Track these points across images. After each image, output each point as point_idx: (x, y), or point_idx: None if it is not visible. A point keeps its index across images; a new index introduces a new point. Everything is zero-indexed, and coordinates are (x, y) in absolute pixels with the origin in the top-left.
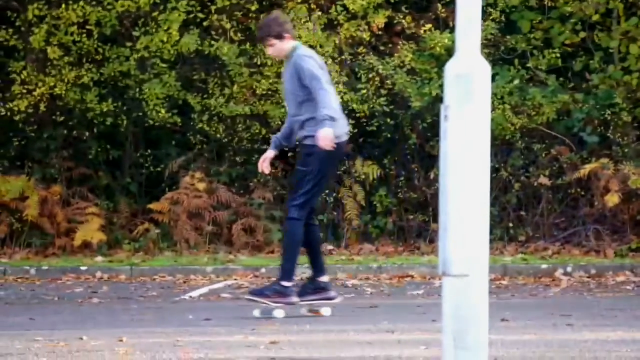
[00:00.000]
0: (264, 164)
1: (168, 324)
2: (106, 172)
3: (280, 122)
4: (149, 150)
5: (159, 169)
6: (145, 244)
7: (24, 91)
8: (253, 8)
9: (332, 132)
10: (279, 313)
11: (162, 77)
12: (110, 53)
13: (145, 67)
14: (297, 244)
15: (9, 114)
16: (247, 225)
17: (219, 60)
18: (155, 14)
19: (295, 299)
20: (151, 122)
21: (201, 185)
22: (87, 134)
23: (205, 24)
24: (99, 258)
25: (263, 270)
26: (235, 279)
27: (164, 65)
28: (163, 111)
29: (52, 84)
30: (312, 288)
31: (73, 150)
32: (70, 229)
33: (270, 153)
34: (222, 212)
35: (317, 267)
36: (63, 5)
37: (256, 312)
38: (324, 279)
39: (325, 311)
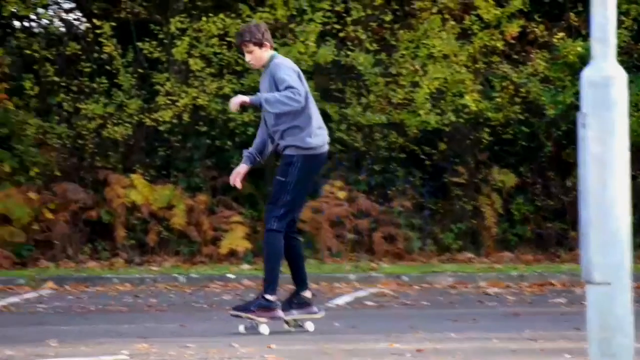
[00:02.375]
0: (237, 178)
1: (315, 331)
2: (249, 181)
3: (416, 131)
4: None
5: None
6: None
7: (168, 102)
8: (387, 19)
9: (239, 101)
10: (264, 329)
11: None
12: (249, 65)
13: None
14: (278, 256)
15: (154, 124)
16: (387, 234)
17: (355, 70)
18: (292, 25)
19: (280, 313)
20: None
21: (341, 194)
22: (229, 143)
23: (341, 35)
24: (245, 266)
25: (405, 278)
26: (379, 287)
27: None
28: None
29: (194, 94)
30: (296, 303)
31: (216, 159)
32: (216, 237)
33: (243, 168)
34: (363, 220)
35: (300, 281)
36: (204, 18)
37: (241, 328)
38: (307, 294)
39: (310, 326)
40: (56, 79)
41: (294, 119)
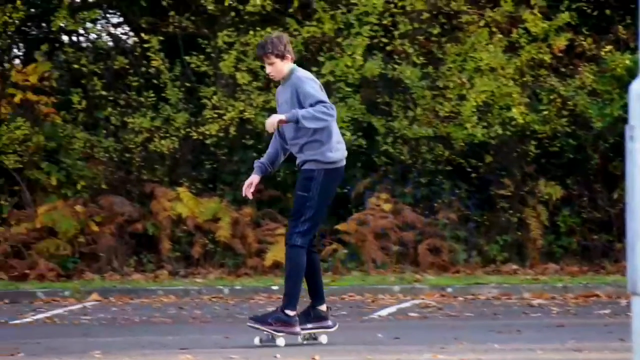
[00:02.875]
0: (249, 189)
1: (358, 342)
2: (294, 194)
3: (462, 144)
4: None
5: (345, 190)
6: (334, 264)
7: (215, 115)
8: (435, 32)
9: (276, 120)
10: (280, 341)
11: (347, 100)
12: None
13: (330, 91)
14: (301, 272)
15: (201, 138)
16: (432, 246)
17: (402, 83)
18: (339, 39)
19: (297, 328)
20: None
21: (387, 206)
22: None
23: (388, 48)
24: None
25: (449, 289)
26: (423, 298)
27: (348, 89)
28: (348, 134)
29: (241, 108)
30: (312, 317)
31: None
32: (261, 250)
33: (255, 178)
34: (408, 233)
35: (317, 295)
36: (251, 32)
37: (256, 340)
38: (323, 307)
39: (323, 339)
40: (104, 93)
41: (315, 133)
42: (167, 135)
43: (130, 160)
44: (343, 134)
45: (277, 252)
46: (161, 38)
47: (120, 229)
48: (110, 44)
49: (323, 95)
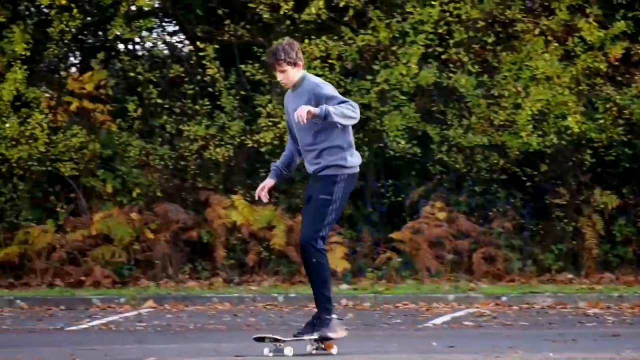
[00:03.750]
0: (263, 192)
1: (412, 350)
2: (349, 202)
3: (518, 152)
4: (390, 181)
5: (399, 198)
6: (388, 272)
7: (270, 124)
8: (490, 40)
9: (305, 112)
10: (288, 351)
11: (402, 109)
12: (351, 86)
13: (385, 99)
14: (329, 274)
15: (255, 145)
16: (487, 254)
17: (457, 92)
18: (394, 48)
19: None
20: (392, 152)
21: (441, 215)
22: None
23: (443, 57)
24: (344, 286)
25: (504, 298)
26: (477, 307)
27: (403, 97)
28: (403, 142)
29: None
30: (316, 325)
31: None
32: None
33: (270, 182)
34: (462, 241)
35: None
36: (306, 40)
37: (266, 351)
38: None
39: (334, 350)
40: (159, 101)
41: (336, 139)
42: (222, 143)
43: (185, 168)
44: (398, 142)
45: (331, 260)
46: (216, 46)
47: (175, 237)
48: (166, 52)
49: (344, 98)
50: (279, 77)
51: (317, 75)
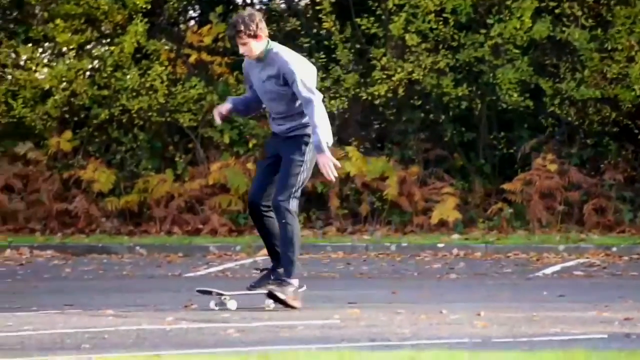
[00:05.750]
0: (217, 112)
1: (523, 299)
2: (461, 154)
3: (630, 105)
4: (502, 133)
5: (511, 150)
6: (499, 223)
7: (384, 77)
8: None
9: (330, 157)
10: (232, 304)
11: (515, 62)
12: (465, 40)
13: (499, 53)
14: (299, 239)
15: (369, 98)
16: (598, 206)
17: (570, 45)
18: (508, 2)
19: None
20: (504, 105)
21: (553, 167)
22: (442, 117)
23: (557, 11)
24: (455, 236)
25: (614, 249)
26: (587, 258)
27: (516, 51)
28: (516, 95)
29: (410, 69)
30: (273, 279)
31: (429, 132)
32: (427, 208)
33: (227, 106)
34: (574, 193)
35: (278, 258)
36: None
37: (212, 304)
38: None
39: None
40: None
41: (300, 106)
42: (337, 95)
43: None
44: (510, 95)
45: (443, 211)
46: (332, 0)
47: None
48: (283, 6)
49: (311, 81)
50: (241, 49)
51: (430, 29)
